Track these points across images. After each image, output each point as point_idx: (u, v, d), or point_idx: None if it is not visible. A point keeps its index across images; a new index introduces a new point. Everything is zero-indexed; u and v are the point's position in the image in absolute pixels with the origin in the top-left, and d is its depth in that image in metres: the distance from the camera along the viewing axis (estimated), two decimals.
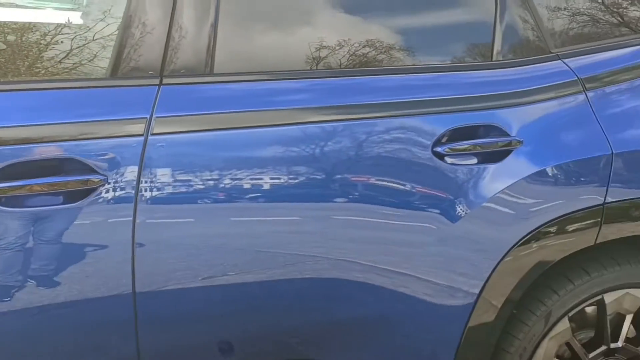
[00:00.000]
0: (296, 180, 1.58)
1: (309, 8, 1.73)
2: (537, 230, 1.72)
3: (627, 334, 1.95)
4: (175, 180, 1.49)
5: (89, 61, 1.60)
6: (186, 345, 1.62)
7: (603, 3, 1.88)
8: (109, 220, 1.45)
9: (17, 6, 2.04)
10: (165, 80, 1.50)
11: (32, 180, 1.38)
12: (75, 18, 1.74)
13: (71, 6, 2.09)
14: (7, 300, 1.43)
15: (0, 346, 1.47)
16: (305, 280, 1.64)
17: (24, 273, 1.43)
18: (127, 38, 1.51)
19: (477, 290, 1.73)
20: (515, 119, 1.69)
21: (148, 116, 1.46)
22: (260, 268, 1.60)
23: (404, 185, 1.64)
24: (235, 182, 1.54)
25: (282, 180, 1.57)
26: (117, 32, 1.52)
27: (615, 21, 1.88)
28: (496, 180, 1.67)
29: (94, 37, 1.62)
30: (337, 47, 1.68)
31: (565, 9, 1.84)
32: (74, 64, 1.59)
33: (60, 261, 1.46)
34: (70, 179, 1.40)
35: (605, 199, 1.74)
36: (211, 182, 1.52)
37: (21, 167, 1.38)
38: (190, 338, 1.63)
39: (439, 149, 1.64)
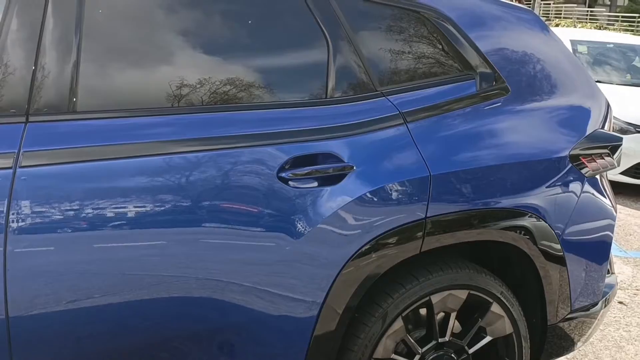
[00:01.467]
0: (157, 207, 1.77)
1: (170, 50, 1.93)
2: (370, 243, 1.99)
3: (452, 329, 2.27)
4: (42, 210, 1.63)
5: None
6: None
7: (421, 49, 2.21)
8: None
9: None
10: (31, 118, 1.65)
11: None
12: None
13: None
14: None
15: None
16: (170, 299, 1.82)
17: None
18: None
19: (320, 300, 1.97)
20: (347, 148, 1.97)
21: (16, 151, 1.60)
22: (125, 290, 1.77)
23: (253, 208, 1.87)
24: (98, 210, 1.70)
25: (143, 208, 1.75)
26: None
27: (431, 64, 2.22)
28: (333, 200, 1.94)
29: None
30: (189, 86, 1.90)
31: (389, 53, 2.15)
32: None
33: None
34: None
35: (426, 214, 2.06)
36: (74, 211, 1.68)
37: None
38: (63, 357, 1.76)
39: (283, 175, 1.88)
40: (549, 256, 2.31)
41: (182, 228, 1.80)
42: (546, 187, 2.29)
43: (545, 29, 2.53)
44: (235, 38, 2.03)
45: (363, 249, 1.99)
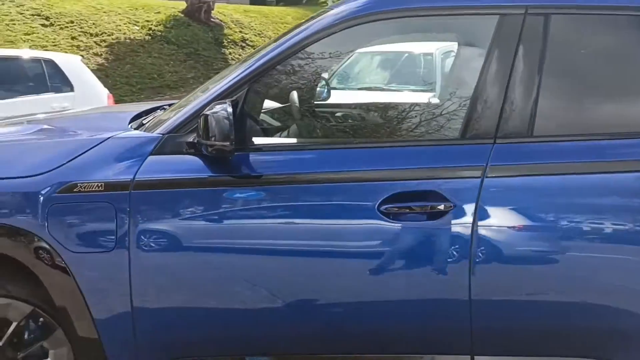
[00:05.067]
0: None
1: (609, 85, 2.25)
2: None
3: None
4: (503, 211, 2.11)
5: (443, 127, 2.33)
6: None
7: None
8: (455, 237, 2.12)
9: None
10: (497, 141, 2.15)
11: (410, 203, 2.14)
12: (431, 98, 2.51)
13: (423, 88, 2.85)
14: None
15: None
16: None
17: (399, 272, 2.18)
18: (472, 111, 2.20)
19: None
20: None
21: (484, 164, 2.12)
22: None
23: None
24: (554, 220, 2.10)
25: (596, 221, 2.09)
26: (465, 108, 2.22)
27: None
28: None
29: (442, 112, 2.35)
30: None
31: None
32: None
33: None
34: (430, 204, 2.13)
35: None
36: (536, 220, 2.11)
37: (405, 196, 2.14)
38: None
39: None
40: None
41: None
42: None
43: None
44: None
45: None
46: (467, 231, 2.11)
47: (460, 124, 2.22)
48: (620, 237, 2.11)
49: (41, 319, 2.33)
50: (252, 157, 2.23)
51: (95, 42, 12.90)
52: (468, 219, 2.10)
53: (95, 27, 13.26)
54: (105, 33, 13.27)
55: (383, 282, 2.18)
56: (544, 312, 2.15)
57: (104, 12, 13.97)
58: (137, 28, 14.02)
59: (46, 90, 7.08)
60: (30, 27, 12.41)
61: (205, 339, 2.28)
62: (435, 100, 2.55)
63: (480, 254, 2.11)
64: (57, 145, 2.38)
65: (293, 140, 2.44)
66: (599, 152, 2.14)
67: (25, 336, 2.36)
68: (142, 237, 2.18)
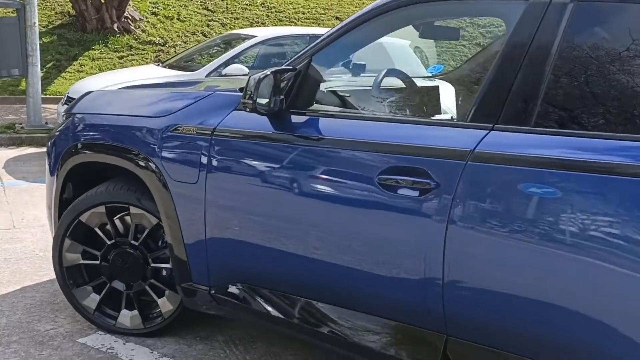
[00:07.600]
0: None
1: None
2: None
3: None
4: (486, 196, 2.03)
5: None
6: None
7: None
8: (432, 213, 2.12)
9: None
10: (496, 127, 2.06)
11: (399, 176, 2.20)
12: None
13: None
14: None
15: None
16: None
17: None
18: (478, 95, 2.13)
19: None
20: None
21: (471, 149, 2.05)
22: None
23: None
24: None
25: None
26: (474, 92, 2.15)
27: None
28: None
29: None
30: None
31: None
32: None
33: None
34: (416, 179, 2.14)
35: None
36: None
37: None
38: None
39: None
40: None
41: None
42: None
43: None
44: None
45: None
46: (444, 214, 2.07)
47: (468, 107, 2.16)
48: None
49: (164, 232, 2.99)
50: (295, 118, 2.53)
51: None
52: (442, 199, 2.09)
53: None
54: None
55: (365, 246, 2.32)
56: (518, 309, 2.01)
57: None
58: None
59: None
60: None
61: (256, 271, 2.65)
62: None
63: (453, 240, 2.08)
64: (181, 96, 2.99)
65: (335, 109, 2.61)
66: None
67: (156, 242, 3.08)
68: (214, 175, 2.65)
